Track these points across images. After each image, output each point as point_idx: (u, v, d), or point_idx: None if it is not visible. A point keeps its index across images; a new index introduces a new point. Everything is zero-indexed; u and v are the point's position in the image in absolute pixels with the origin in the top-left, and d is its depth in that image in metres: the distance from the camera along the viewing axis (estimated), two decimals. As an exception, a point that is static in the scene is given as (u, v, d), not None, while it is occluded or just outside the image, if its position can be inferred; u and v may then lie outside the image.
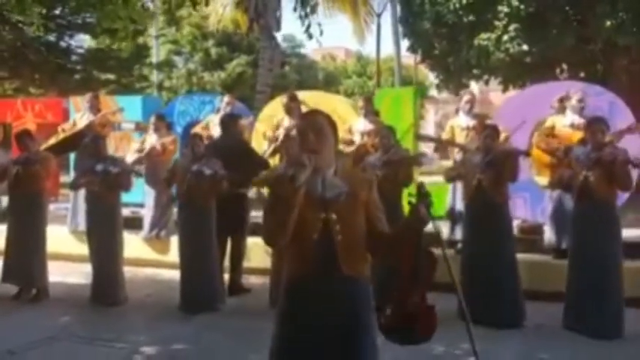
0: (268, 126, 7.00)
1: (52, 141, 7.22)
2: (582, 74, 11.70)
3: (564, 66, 12.41)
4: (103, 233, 5.55)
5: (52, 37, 13.28)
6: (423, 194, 2.25)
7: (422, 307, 2.34)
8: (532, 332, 4.85)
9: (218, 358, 4.19)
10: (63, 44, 13.67)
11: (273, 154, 6.51)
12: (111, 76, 14.66)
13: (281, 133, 6.33)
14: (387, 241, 2.38)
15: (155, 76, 20.07)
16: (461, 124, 6.24)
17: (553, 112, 6.24)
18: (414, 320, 2.31)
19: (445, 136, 6.39)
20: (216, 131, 6.63)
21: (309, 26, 10.67)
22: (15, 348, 4.40)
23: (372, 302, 2.47)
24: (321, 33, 10.96)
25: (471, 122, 6.06)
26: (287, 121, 6.42)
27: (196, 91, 22.87)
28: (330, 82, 34.25)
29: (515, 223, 6.90)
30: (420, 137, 6.06)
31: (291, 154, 5.46)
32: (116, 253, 5.61)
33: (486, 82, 14.58)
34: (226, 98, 7.13)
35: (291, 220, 2.23)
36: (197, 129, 7.08)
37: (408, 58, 27.62)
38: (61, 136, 7.18)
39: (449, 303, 5.21)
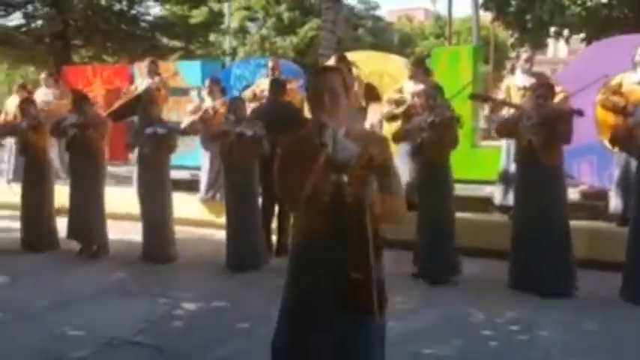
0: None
1: (115, 106, 7.52)
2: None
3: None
4: (153, 193, 5.76)
5: (121, 6, 13.73)
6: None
7: (361, 284, 2.17)
8: (583, 302, 4.60)
9: (251, 316, 4.27)
10: (133, 12, 14.12)
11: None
12: (178, 44, 15.01)
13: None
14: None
15: (227, 43, 20.33)
16: (517, 83, 5.89)
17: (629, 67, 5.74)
18: (350, 296, 2.18)
19: (501, 95, 6.06)
20: (266, 94, 6.65)
21: None
22: (70, 299, 4.71)
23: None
24: None
25: (528, 81, 5.68)
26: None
27: (269, 57, 23.08)
28: (405, 44, 33.45)
29: (580, 188, 6.55)
30: (473, 97, 5.76)
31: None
32: (166, 212, 5.81)
33: (567, 40, 13.70)
34: (270, 63, 7.13)
35: (310, 183, 2.16)
36: (248, 92, 7.14)
37: (487, 17, 26.40)
38: (124, 100, 7.45)
39: (498, 270, 5.08)
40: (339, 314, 2.20)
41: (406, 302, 4.69)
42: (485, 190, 6.83)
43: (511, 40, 14.87)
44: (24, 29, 13.74)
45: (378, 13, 34.87)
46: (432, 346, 3.82)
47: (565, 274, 4.73)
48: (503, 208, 6.03)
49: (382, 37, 31.85)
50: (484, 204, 6.45)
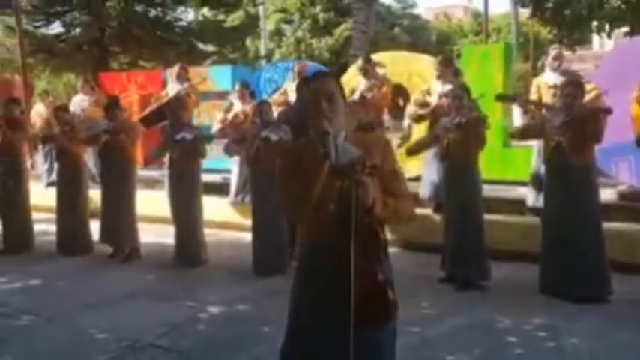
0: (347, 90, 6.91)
1: (145, 112, 7.65)
2: None
3: None
4: (184, 198, 5.83)
5: (156, 12, 13.96)
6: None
7: (367, 290, 2.10)
8: (617, 309, 4.42)
9: (273, 320, 4.25)
10: (167, 18, 14.36)
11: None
12: (213, 48, 15.19)
13: (356, 95, 6.21)
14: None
15: (262, 45, 20.45)
16: (547, 81, 5.71)
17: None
18: (356, 302, 2.09)
19: (531, 95, 5.89)
20: (293, 98, 6.66)
21: None
22: (97, 302, 4.82)
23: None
24: None
25: (559, 79, 5.50)
26: (363, 84, 6.28)
27: (304, 59, 23.15)
28: (443, 43, 32.98)
29: (618, 189, 6.31)
30: (499, 98, 5.62)
31: (358, 119, 5.36)
32: (196, 217, 5.88)
33: (608, 35, 13.27)
34: (296, 67, 7.13)
35: (316, 192, 2.12)
36: (275, 96, 7.17)
37: (526, 14, 25.81)
38: (154, 106, 7.57)
39: (530, 275, 4.94)
40: (345, 321, 2.16)
41: (431, 307, 4.63)
42: (519, 192, 6.66)
43: (550, 37, 14.48)
44: (63, 37, 14.20)
45: (415, 11, 34.57)
46: (454, 353, 3.74)
47: (598, 278, 4.56)
48: (535, 211, 5.86)
49: (419, 35, 31.48)
50: (517, 206, 6.29)
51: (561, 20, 12.13)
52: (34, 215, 7.15)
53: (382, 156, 2.23)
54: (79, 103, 8.61)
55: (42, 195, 8.28)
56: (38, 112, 9.30)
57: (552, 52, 5.78)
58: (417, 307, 4.58)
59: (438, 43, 32.73)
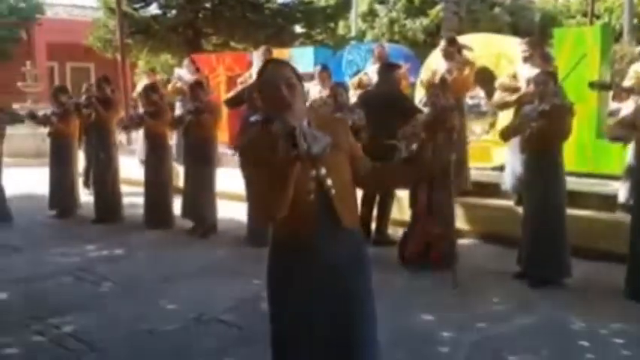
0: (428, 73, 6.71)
1: (231, 93, 7.81)
2: None
3: None
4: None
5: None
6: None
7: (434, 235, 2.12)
8: None
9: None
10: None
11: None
12: (302, 30, 15.21)
13: (437, 78, 6.00)
14: (380, 173, 2.33)
15: (353, 26, 20.20)
16: (647, 67, 5.22)
17: None
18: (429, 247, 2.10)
19: (628, 82, 5.41)
20: (374, 80, 6.57)
21: None
22: (171, 275, 5.06)
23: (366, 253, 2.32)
24: None
25: (662, 65, 5.01)
26: (444, 66, 6.06)
27: (398, 40, 22.67)
28: (547, 24, 31.08)
29: None
30: (593, 85, 5.17)
31: (434, 102, 5.18)
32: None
33: None
34: (375, 50, 6.99)
35: (291, 190, 2.00)
36: (355, 79, 7.09)
37: (644, -9, 23.72)
38: (239, 88, 7.72)
39: (617, 277, 4.59)
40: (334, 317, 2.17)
41: (502, 303, 4.43)
42: (614, 187, 6.20)
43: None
44: (160, 19, 14.79)
45: (517, -10, 32.71)
46: (518, 353, 3.57)
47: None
48: (627, 207, 5.42)
49: (521, 15, 29.83)
50: (608, 202, 5.86)
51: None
52: (129, 188, 7.59)
53: (346, 135, 2.24)
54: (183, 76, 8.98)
55: (137, 169, 8.76)
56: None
57: (654, 35, 5.26)
58: (486, 302, 4.41)
59: (541, 24, 30.89)
